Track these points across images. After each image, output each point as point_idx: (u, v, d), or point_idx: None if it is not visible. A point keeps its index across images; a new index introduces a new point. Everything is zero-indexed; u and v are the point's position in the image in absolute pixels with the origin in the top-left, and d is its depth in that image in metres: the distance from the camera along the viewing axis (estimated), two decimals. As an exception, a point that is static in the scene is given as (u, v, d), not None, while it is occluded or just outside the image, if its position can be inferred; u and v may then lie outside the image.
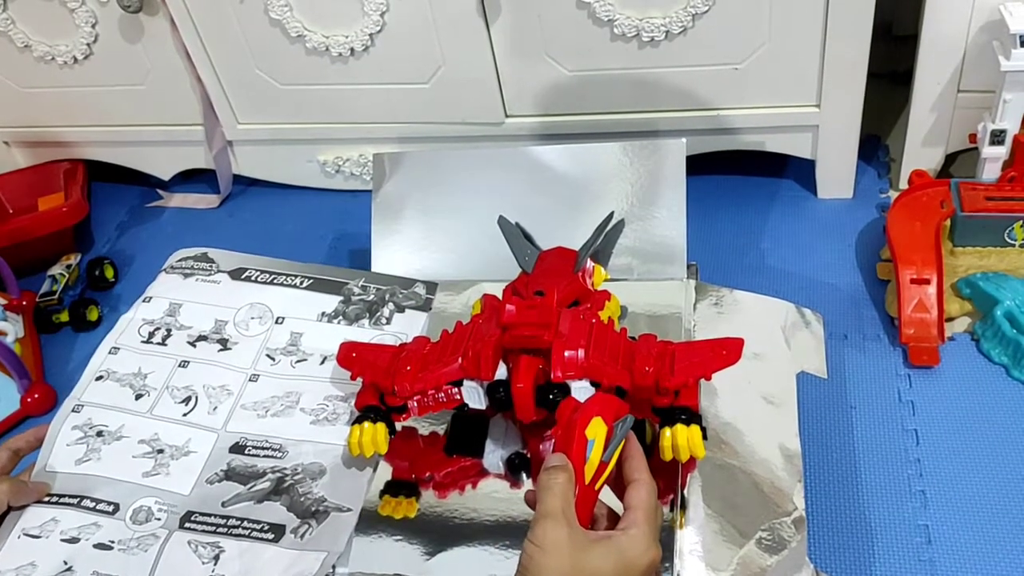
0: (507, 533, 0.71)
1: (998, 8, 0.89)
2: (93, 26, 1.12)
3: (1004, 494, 0.79)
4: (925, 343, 0.90)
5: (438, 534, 0.73)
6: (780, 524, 0.71)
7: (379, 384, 0.76)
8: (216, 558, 0.72)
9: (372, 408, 0.77)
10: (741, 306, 0.88)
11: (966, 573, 0.74)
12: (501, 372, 0.72)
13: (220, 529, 0.74)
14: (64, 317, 1.13)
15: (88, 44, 1.14)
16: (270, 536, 0.74)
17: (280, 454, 0.80)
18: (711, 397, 0.78)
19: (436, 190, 0.97)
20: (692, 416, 0.69)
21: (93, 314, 1.13)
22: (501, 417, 0.76)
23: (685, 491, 0.71)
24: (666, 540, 0.68)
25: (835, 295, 0.98)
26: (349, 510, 0.74)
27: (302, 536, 0.73)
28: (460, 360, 0.73)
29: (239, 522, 0.75)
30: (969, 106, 0.99)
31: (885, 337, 0.94)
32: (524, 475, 0.74)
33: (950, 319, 0.93)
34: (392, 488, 0.76)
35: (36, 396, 1.02)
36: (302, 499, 0.76)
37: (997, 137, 0.93)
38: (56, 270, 1.18)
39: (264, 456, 0.80)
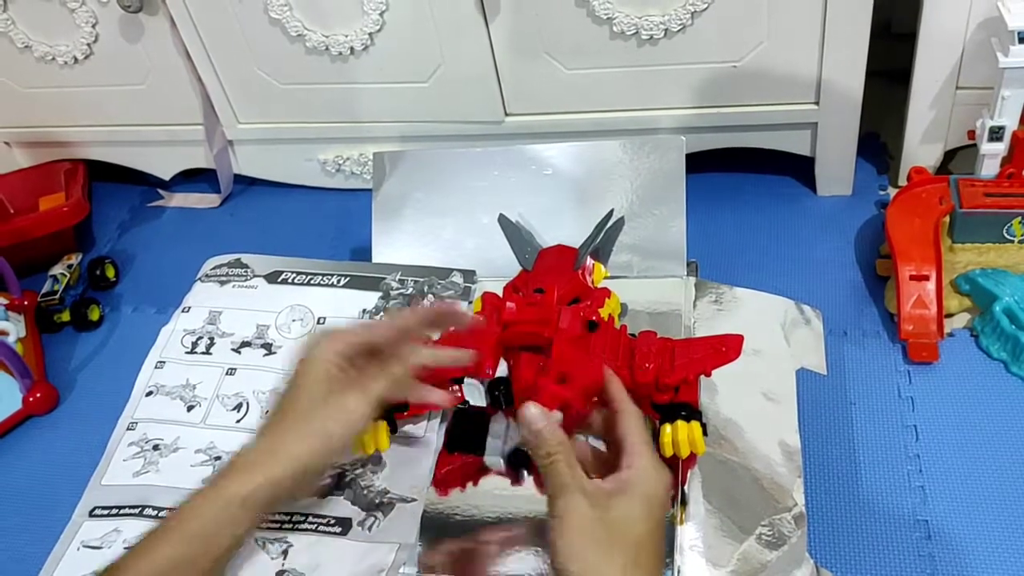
0: (509, 529, 0.71)
1: (996, 5, 0.89)
2: (93, 26, 1.12)
3: (1004, 489, 0.79)
4: (924, 339, 0.90)
5: (440, 531, 0.73)
6: (780, 520, 0.71)
7: None
8: (285, 552, 0.74)
9: None
10: (741, 303, 0.88)
11: (966, 568, 0.75)
12: (501, 370, 0.72)
13: (285, 525, 0.75)
14: (66, 317, 1.13)
15: (88, 44, 1.14)
16: (337, 529, 0.74)
17: None
18: (711, 394, 0.78)
19: (436, 189, 0.97)
20: (692, 412, 0.69)
21: (94, 314, 1.13)
22: (502, 414, 0.76)
23: (685, 487, 0.72)
24: (667, 536, 0.69)
25: (834, 292, 0.99)
26: (414, 500, 0.75)
27: (370, 528, 0.74)
28: None
29: (304, 517, 0.76)
30: (967, 103, 0.99)
31: (884, 333, 0.94)
32: (525, 472, 0.74)
33: (949, 315, 0.93)
34: None
35: (38, 395, 1.02)
36: (365, 492, 0.77)
37: (996, 133, 0.93)
38: (57, 270, 1.18)
39: None
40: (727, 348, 0.70)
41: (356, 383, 0.62)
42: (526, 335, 0.72)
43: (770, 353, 0.83)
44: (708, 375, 0.70)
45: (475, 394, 0.74)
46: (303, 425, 0.60)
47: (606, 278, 0.87)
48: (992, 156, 0.95)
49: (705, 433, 0.69)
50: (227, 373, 0.88)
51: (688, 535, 0.69)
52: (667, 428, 0.68)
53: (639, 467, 0.54)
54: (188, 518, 0.57)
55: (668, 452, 0.68)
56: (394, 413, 0.77)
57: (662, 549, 0.53)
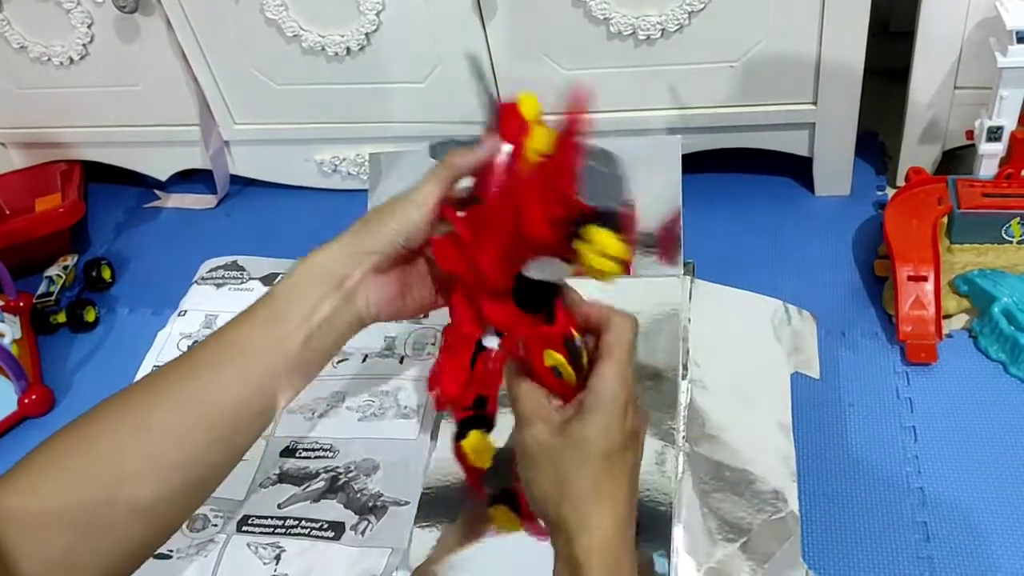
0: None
1: (994, 4, 0.89)
2: (89, 27, 1.12)
3: (1002, 490, 0.79)
4: (923, 340, 0.90)
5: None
6: (774, 523, 0.71)
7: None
8: (277, 558, 0.74)
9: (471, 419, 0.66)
10: (736, 305, 0.88)
11: (965, 569, 0.74)
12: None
13: (278, 530, 0.75)
14: (61, 318, 1.13)
15: (84, 45, 1.14)
16: (330, 534, 0.74)
17: (331, 453, 0.81)
18: (705, 395, 0.78)
19: (432, 189, 0.97)
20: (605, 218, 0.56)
21: (90, 315, 1.13)
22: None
23: (679, 484, 0.71)
24: (662, 535, 0.68)
25: (832, 292, 0.98)
26: (407, 503, 0.75)
27: (363, 533, 0.74)
28: None
29: (297, 522, 0.76)
30: (966, 103, 0.99)
31: (883, 334, 0.94)
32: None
33: (947, 316, 0.93)
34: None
35: (34, 397, 1.02)
36: (358, 495, 0.77)
37: (994, 134, 0.93)
38: (53, 271, 1.18)
39: (316, 457, 0.81)
40: None
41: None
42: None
43: (763, 355, 0.83)
44: None
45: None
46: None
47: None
48: (990, 156, 0.95)
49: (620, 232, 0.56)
50: None
51: (681, 537, 0.69)
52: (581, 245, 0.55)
53: (596, 388, 0.54)
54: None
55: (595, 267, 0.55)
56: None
57: (628, 463, 0.54)
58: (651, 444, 0.73)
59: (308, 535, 0.75)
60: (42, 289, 1.16)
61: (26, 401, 1.02)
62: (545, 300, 0.58)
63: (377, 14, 1.02)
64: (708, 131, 1.06)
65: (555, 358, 0.56)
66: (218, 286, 0.97)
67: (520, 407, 0.55)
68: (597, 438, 0.53)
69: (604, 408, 0.53)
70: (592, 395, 0.54)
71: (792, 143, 1.06)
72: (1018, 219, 0.93)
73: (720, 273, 0.93)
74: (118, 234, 1.28)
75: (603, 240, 0.54)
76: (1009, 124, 0.92)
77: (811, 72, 0.98)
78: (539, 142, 0.60)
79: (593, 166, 0.59)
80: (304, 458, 0.81)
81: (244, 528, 0.76)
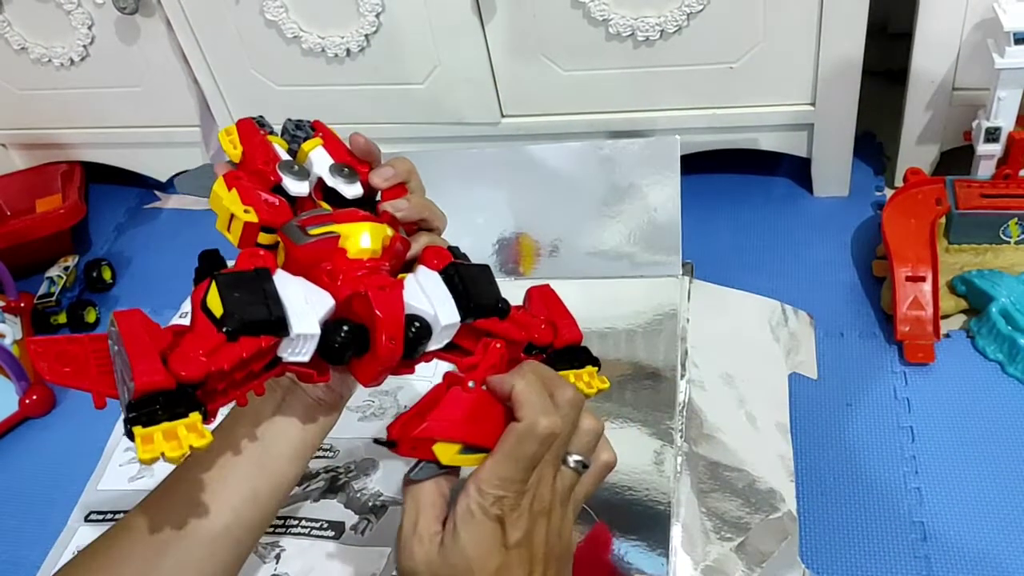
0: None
1: (992, 6, 0.89)
2: (89, 28, 1.12)
3: (1000, 490, 0.79)
4: (920, 340, 0.90)
5: None
6: (771, 522, 0.71)
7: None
8: (277, 557, 0.74)
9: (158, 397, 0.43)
10: (734, 305, 0.88)
11: (962, 569, 0.75)
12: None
13: (278, 529, 0.76)
14: (62, 319, 1.13)
15: (84, 46, 1.14)
16: (330, 533, 0.74)
17: (331, 453, 0.81)
18: (703, 395, 0.78)
19: (431, 190, 0.97)
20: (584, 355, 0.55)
21: (91, 316, 1.13)
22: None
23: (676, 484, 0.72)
24: (660, 534, 0.69)
25: (831, 293, 0.99)
26: None
27: (363, 532, 0.74)
28: None
29: (297, 521, 0.76)
30: (964, 104, 0.99)
31: (881, 334, 0.94)
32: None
33: (945, 316, 0.93)
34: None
35: (35, 398, 1.02)
36: (358, 495, 0.77)
37: (992, 135, 0.93)
38: (54, 272, 1.18)
39: (315, 457, 0.80)
40: None
41: None
42: None
43: (761, 355, 0.84)
44: None
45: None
46: None
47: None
48: (988, 157, 0.95)
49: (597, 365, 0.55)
50: None
51: (678, 537, 0.69)
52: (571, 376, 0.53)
53: (462, 495, 0.45)
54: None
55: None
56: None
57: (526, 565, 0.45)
58: (650, 443, 0.73)
59: (308, 534, 0.75)
60: (43, 290, 1.16)
61: (27, 401, 1.02)
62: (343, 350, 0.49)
63: (377, 16, 1.02)
64: (707, 132, 1.06)
65: (446, 451, 0.47)
66: None
67: (408, 502, 0.47)
68: (474, 559, 0.44)
69: (468, 518, 0.44)
70: (459, 502, 0.45)
71: (791, 144, 1.07)
72: (1016, 219, 0.94)
73: (719, 273, 0.93)
74: (118, 235, 1.28)
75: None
76: (1007, 125, 0.93)
77: (810, 73, 0.99)
78: (227, 204, 0.54)
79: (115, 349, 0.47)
80: None
81: None
